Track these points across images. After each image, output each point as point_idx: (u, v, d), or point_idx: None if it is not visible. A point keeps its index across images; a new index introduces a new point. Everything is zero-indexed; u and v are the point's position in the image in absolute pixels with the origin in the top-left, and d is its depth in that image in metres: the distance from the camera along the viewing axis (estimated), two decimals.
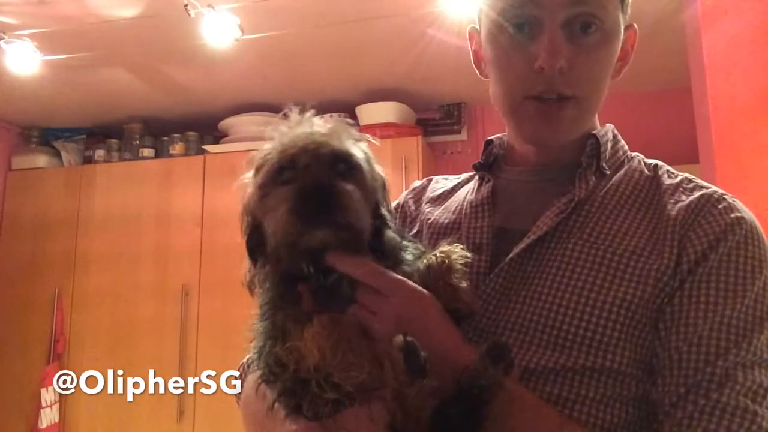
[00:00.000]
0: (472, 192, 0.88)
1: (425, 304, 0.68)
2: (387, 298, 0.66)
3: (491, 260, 0.78)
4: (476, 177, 0.91)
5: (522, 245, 0.75)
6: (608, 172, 0.80)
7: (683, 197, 0.74)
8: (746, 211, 0.73)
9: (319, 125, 0.67)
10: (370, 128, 3.17)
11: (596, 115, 0.84)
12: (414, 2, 2.29)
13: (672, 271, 0.70)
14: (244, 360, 0.88)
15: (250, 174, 0.69)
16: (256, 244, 0.68)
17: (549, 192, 0.79)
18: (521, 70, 0.75)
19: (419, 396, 0.60)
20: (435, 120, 3.41)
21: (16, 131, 3.71)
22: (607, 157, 0.81)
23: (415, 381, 0.60)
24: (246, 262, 0.70)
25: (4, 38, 2.38)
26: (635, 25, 0.80)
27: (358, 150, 0.68)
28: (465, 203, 0.86)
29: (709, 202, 0.73)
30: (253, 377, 0.75)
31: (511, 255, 0.76)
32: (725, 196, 0.74)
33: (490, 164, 0.90)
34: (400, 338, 0.62)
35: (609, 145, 0.82)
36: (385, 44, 2.70)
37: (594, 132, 0.81)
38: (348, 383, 0.58)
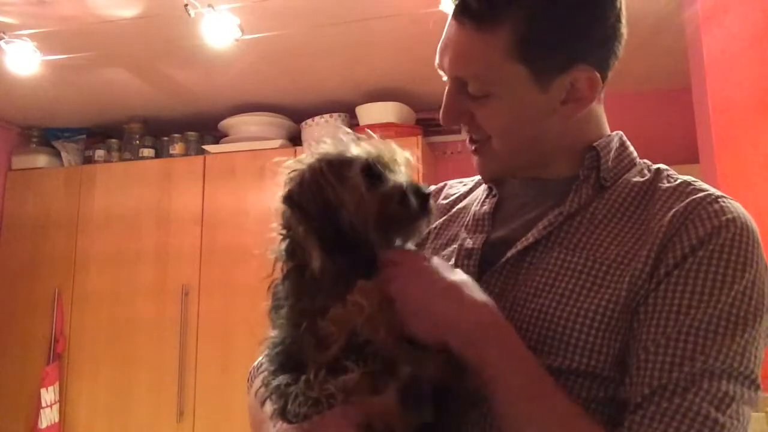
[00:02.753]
0: (479, 203, 0.90)
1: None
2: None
3: (481, 269, 0.80)
4: (484, 185, 0.93)
5: (509, 254, 0.78)
6: (608, 184, 0.79)
7: (677, 203, 0.73)
8: (740, 213, 0.72)
9: (381, 141, 0.77)
10: (370, 128, 3.14)
11: (603, 124, 0.84)
12: (414, 2, 2.29)
13: (647, 275, 0.69)
14: (255, 363, 0.89)
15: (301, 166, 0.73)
16: (326, 232, 0.70)
17: (546, 204, 0.80)
18: None
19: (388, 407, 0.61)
20: (435, 120, 3.40)
21: (16, 131, 3.72)
22: (609, 168, 0.80)
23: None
24: (318, 253, 0.69)
25: (4, 38, 2.38)
26: (587, 66, 0.75)
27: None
28: (469, 216, 0.89)
29: (701, 205, 0.72)
30: (258, 380, 0.77)
31: (499, 263, 0.78)
32: (720, 199, 0.73)
33: None
34: None
35: (612, 155, 0.81)
36: (385, 44, 2.70)
37: (595, 144, 0.81)
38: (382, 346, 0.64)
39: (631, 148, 0.85)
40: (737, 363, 0.64)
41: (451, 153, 3.45)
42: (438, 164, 3.44)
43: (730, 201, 0.73)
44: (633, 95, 3.19)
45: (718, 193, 0.74)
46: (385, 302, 0.66)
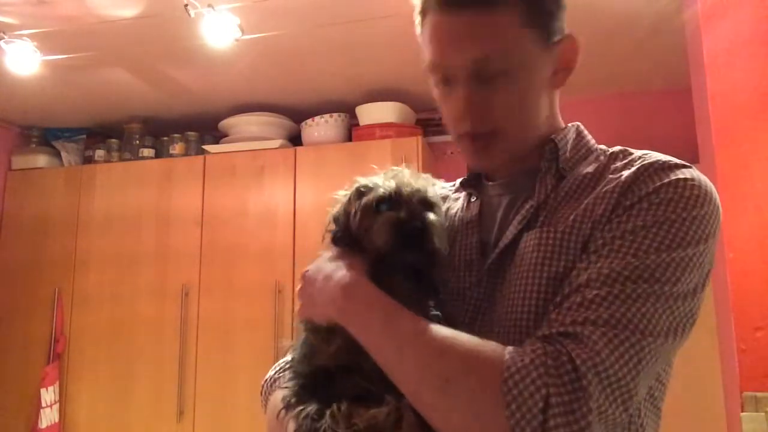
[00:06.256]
0: (462, 209, 0.93)
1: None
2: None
3: (478, 275, 0.82)
4: (464, 192, 0.95)
5: (493, 256, 0.81)
6: (566, 174, 0.82)
7: (628, 169, 0.76)
8: (696, 176, 0.74)
9: (410, 176, 0.81)
10: (370, 128, 3.17)
11: (558, 117, 0.87)
12: (414, 2, 2.29)
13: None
14: (267, 376, 0.91)
15: (343, 193, 0.84)
16: (344, 243, 0.83)
17: (518, 202, 0.83)
18: (449, 114, 0.83)
19: None
20: (435, 120, 3.41)
21: (16, 131, 3.72)
22: (567, 158, 0.83)
23: None
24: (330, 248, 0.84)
25: (4, 38, 2.38)
26: (571, 34, 0.82)
27: (436, 195, 0.82)
28: (456, 219, 0.92)
29: (653, 166, 0.74)
30: (277, 396, 0.80)
31: (485, 266, 0.81)
32: (676, 166, 0.75)
33: (473, 181, 0.94)
34: None
35: (569, 146, 0.84)
36: (385, 44, 2.70)
37: (552, 136, 0.84)
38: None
39: (588, 137, 0.88)
40: (670, 273, 0.66)
41: (451, 153, 3.44)
42: (438, 164, 3.44)
43: (689, 168, 0.76)
44: (633, 95, 3.19)
45: (675, 160, 0.76)
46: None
